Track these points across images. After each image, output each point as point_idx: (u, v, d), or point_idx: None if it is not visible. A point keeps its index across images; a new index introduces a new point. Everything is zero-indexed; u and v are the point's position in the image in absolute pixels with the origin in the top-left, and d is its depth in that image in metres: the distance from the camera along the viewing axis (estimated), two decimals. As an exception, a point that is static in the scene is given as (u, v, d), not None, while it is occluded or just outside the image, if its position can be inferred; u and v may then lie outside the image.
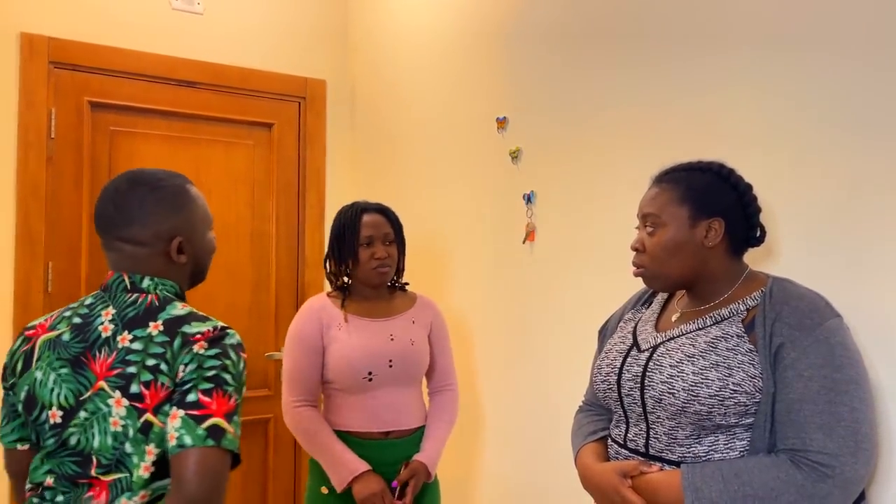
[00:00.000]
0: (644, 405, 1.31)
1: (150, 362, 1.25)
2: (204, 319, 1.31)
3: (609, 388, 1.40)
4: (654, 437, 1.30)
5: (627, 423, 1.37)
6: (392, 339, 2.01)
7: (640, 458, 1.32)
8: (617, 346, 1.44)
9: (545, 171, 2.16)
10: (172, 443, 1.19)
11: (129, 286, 1.35)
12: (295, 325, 2.06)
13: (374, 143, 3.06)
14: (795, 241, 1.48)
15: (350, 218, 2.06)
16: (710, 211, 1.31)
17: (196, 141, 2.86)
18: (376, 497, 1.91)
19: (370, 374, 1.97)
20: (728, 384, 1.21)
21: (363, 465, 1.94)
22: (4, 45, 2.49)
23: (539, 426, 2.17)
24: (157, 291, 1.36)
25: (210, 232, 1.48)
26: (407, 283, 2.18)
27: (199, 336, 1.27)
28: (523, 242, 2.22)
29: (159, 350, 1.26)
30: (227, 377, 1.25)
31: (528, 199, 2.20)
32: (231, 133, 2.94)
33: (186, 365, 1.24)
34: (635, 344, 1.40)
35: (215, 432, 1.19)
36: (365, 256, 2.03)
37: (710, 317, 1.31)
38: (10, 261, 2.47)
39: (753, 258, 1.44)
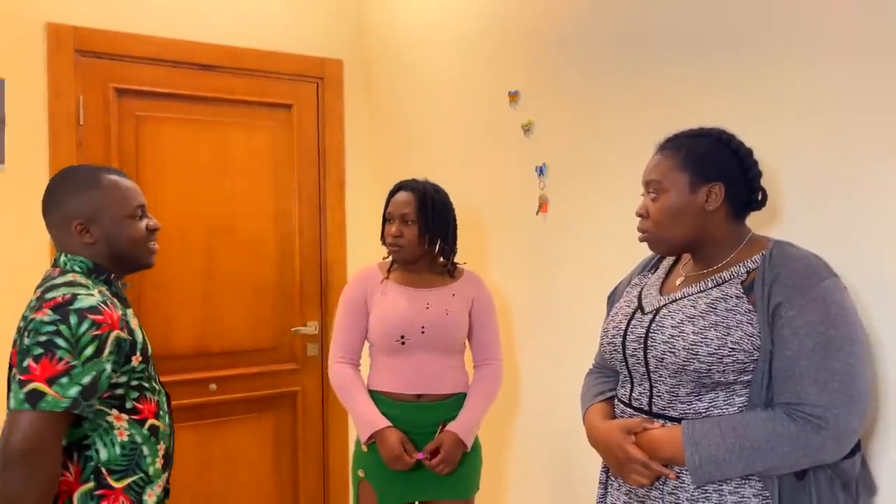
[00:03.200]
0: (647, 365, 1.36)
1: (21, 326, 1.43)
2: (70, 286, 1.43)
3: (615, 350, 1.45)
4: (657, 396, 1.35)
5: (632, 383, 1.42)
6: (427, 308, 2.10)
7: (643, 416, 1.37)
8: (623, 309, 1.49)
9: (557, 144, 2.20)
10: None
11: (53, 263, 1.53)
12: (344, 290, 2.23)
13: (390, 120, 3.11)
14: (798, 204, 1.51)
15: (389, 193, 2.18)
16: (710, 176, 1.34)
17: (218, 123, 2.93)
18: (399, 457, 2.01)
19: (402, 337, 2.07)
20: (726, 343, 1.25)
21: (382, 422, 2.05)
22: (32, 35, 2.57)
23: (552, 392, 2.23)
24: (67, 266, 1.51)
25: (130, 218, 1.55)
26: (455, 264, 2.19)
27: (47, 303, 1.39)
28: (536, 214, 2.26)
29: (27, 315, 1.42)
30: (60, 341, 1.35)
31: (541, 171, 2.24)
32: (252, 115, 3.00)
33: (28, 332, 1.37)
34: (640, 307, 1.45)
35: (33, 396, 1.32)
36: (386, 232, 2.16)
37: (712, 279, 1.35)
38: (45, 246, 2.58)
39: (758, 222, 1.47)
